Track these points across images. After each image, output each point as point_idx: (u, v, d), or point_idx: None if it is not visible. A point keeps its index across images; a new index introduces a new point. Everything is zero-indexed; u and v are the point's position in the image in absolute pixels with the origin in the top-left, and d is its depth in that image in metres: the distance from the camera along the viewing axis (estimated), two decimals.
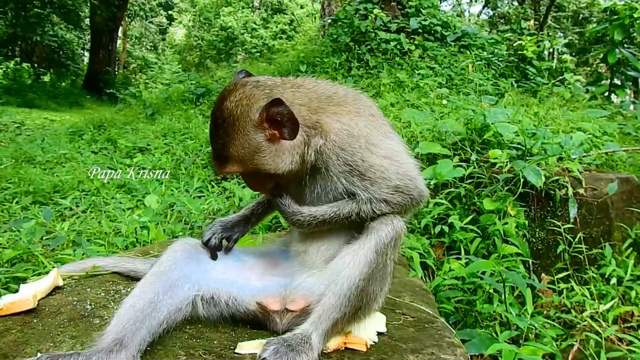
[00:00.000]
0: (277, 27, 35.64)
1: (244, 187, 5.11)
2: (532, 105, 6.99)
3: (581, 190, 3.89)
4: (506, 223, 3.52)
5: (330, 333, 1.69)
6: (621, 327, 3.23)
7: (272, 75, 2.18)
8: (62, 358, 1.48)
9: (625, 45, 9.02)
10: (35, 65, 26.58)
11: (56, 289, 2.06)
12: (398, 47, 9.57)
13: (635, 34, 9.31)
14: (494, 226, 3.53)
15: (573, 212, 3.79)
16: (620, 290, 3.39)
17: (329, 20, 11.67)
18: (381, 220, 1.75)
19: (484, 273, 3.06)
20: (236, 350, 1.68)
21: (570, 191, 3.84)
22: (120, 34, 30.93)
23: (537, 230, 3.88)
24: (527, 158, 4.05)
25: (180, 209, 4.73)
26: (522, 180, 3.74)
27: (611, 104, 8.28)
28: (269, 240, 2.85)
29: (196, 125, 8.67)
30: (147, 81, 25.68)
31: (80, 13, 28.93)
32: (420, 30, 10.01)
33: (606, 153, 4.78)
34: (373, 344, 1.81)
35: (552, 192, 3.87)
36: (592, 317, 3.03)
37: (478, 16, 38.06)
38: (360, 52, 9.68)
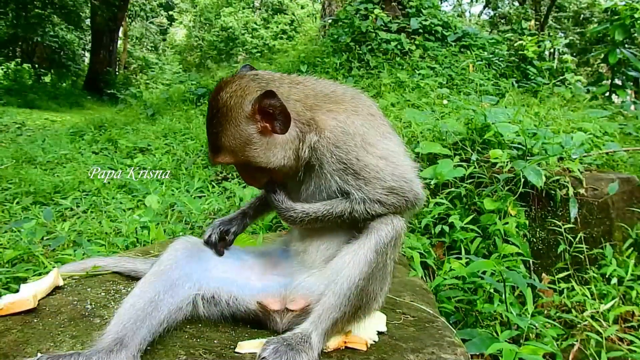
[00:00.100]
0: (277, 27, 35.68)
1: (244, 187, 5.11)
2: (532, 105, 6.98)
3: (582, 190, 3.89)
4: (507, 223, 3.52)
5: (330, 332, 1.69)
6: (622, 326, 3.23)
7: None
8: (63, 358, 1.47)
9: (626, 45, 9.00)
10: (36, 65, 26.54)
11: (56, 289, 2.06)
12: (399, 47, 9.56)
13: (636, 34, 9.29)
14: (494, 226, 3.53)
15: (574, 212, 3.79)
16: (621, 290, 3.39)
17: (330, 21, 11.67)
18: (381, 219, 1.74)
19: (484, 273, 3.06)
20: (236, 350, 1.68)
21: (571, 191, 3.83)
22: (120, 34, 30.99)
23: (538, 230, 3.88)
24: (528, 158, 4.05)
25: (181, 209, 4.73)
26: (522, 180, 3.73)
27: (612, 104, 8.26)
28: (269, 240, 2.85)
29: (197, 125, 8.66)
30: (147, 81, 25.59)
31: (81, 13, 28.94)
32: (420, 31, 10.00)
33: (607, 153, 4.77)
34: (373, 343, 1.81)
35: (553, 192, 3.87)
36: (592, 317, 3.03)
37: (479, 16, 38.10)
38: (360, 52, 9.68)
